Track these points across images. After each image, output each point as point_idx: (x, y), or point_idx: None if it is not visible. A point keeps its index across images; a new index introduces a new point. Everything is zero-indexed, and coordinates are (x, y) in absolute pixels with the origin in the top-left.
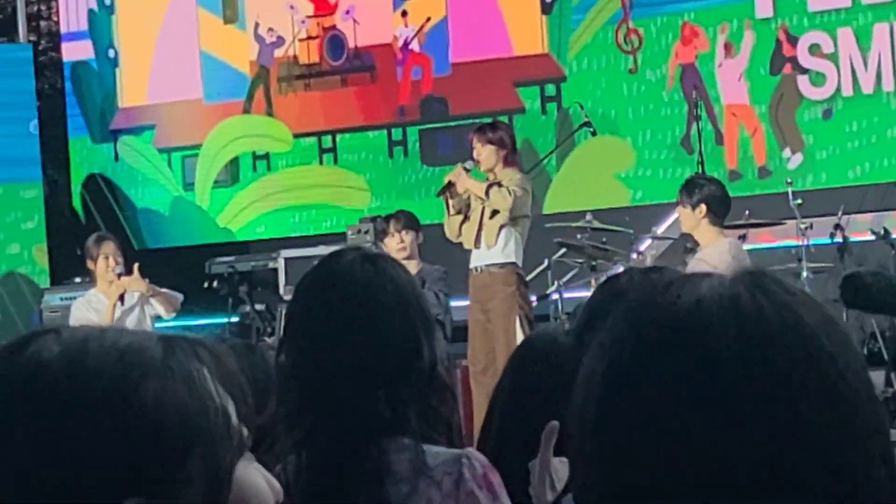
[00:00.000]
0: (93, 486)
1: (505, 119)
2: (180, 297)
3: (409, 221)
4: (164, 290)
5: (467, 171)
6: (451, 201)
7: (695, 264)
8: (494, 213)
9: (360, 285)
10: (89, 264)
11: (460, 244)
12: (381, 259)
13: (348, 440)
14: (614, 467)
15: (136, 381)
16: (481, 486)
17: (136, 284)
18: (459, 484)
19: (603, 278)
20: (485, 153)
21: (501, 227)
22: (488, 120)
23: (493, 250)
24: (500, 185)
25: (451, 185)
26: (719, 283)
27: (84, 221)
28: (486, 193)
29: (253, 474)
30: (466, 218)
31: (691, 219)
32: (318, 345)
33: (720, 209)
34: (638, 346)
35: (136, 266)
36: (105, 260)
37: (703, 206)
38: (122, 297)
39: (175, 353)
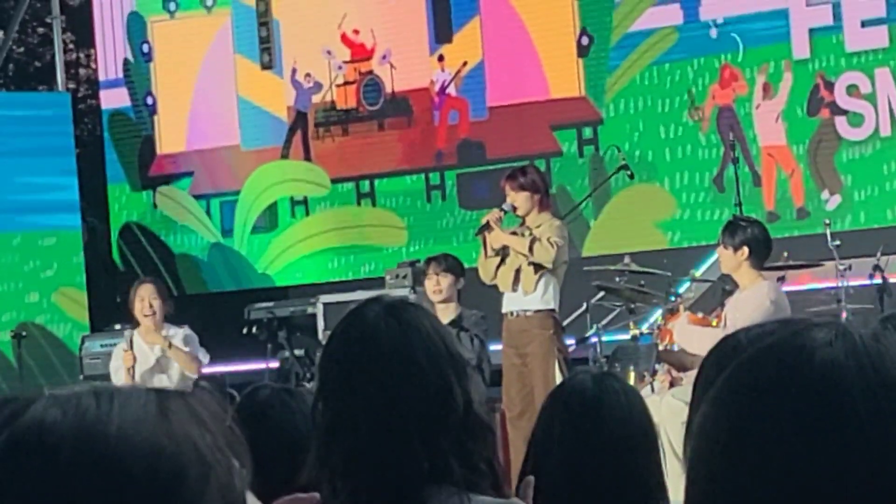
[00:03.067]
0: None
1: (542, 162)
2: (203, 358)
3: (449, 265)
4: (185, 348)
5: (504, 212)
6: (488, 243)
7: (734, 306)
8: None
9: (385, 343)
10: (131, 307)
11: (495, 287)
12: (404, 310)
13: (391, 495)
14: None
15: (156, 435)
16: None
17: (152, 337)
18: None
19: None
20: (519, 200)
21: (541, 276)
22: (525, 164)
23: (531, 297)
24: (539, 239)
25: (489, 225)
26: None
27: (123, 269)
28: (530, 249)
29: None
30: (503, 261)
31: (732, 260)
32: (350, 404)
33: (762, 251)
34: (763, 398)
35: (152, 320)
36: (141, 302)
37: (746, 249)
38: (132, 369)
39: (169, 402)
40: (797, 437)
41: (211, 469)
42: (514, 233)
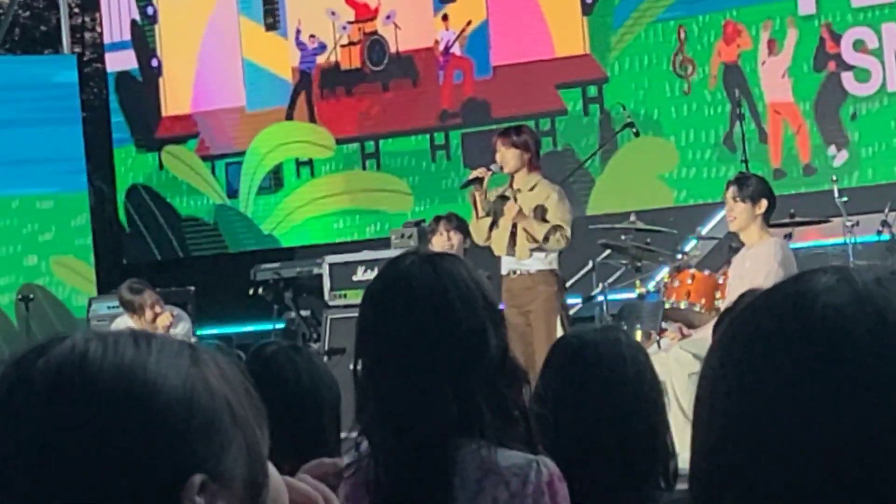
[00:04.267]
0: (165, 468)
1: (547, 121)
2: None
3: (459, 223)
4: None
5: (492, 172)
6: (479, 202)
7: (739, 264)
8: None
9: (422, 288)
10: (130, 318)
11: (489, 249)
12: (440, 258)
13: (419, 441)
14: (746, 467)
15: (190, 379)
16: (544, 492)
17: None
18: (525, 486)
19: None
20: (509, 156)
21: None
22: (531, 123)
23: (533, 259)
24: (556, 227)
25: (477, 180)
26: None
27: (129, 231)
28: (546, 239)
29: (274, 470)
30: (495, 222)
31: (748, 214)
32: (388, 351)
33: (772, 206)
34: (764, 343)
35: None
36: (151, 309)
37: (765, 201)
38: None
39: (200, 354)
40: (801, 382)
41: (239, 427)
42: (503, 196)
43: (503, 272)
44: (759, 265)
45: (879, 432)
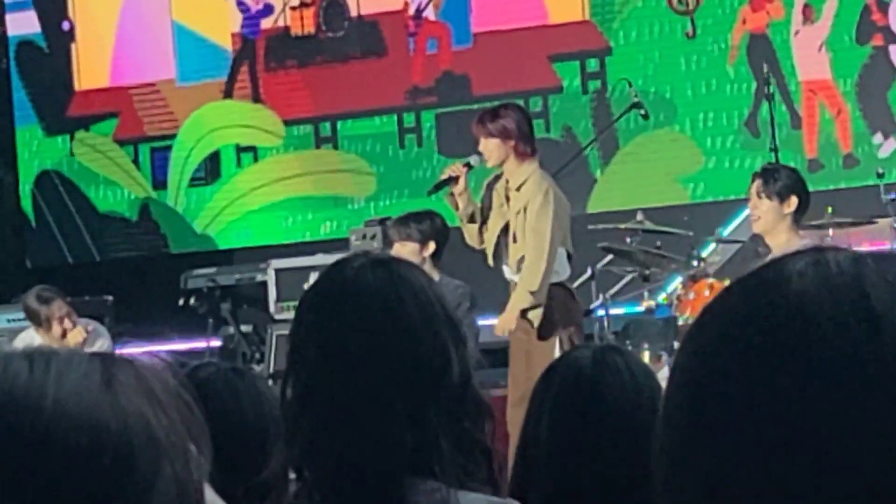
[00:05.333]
0: None
1: (538, 100)
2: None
3: (412, 231)
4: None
5: (471, 167)
6: (459, 205)
7: None
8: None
9: (374, 295)
10: (37, 332)
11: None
12: (395, 263)
13: (366, 479)
14: (712, 482)
15: (100, 407)
16: None
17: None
18: None
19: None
20: (489, 148)
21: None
22: (520, 102)
23: None
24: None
25: (450, 180)
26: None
27: (35, 227)
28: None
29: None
30: (483, 223)
31: (775, 213)
32: (329, 370)
33: (805, 204)
34: (729, 349)
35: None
36: (60, 324)
37: (795, 198)
38: None
39: (116, 370)
40: (763, 378)
41: (164, 454)
42: (492, 187)
43: (507, 278)
44: None
45: (841, 430)
